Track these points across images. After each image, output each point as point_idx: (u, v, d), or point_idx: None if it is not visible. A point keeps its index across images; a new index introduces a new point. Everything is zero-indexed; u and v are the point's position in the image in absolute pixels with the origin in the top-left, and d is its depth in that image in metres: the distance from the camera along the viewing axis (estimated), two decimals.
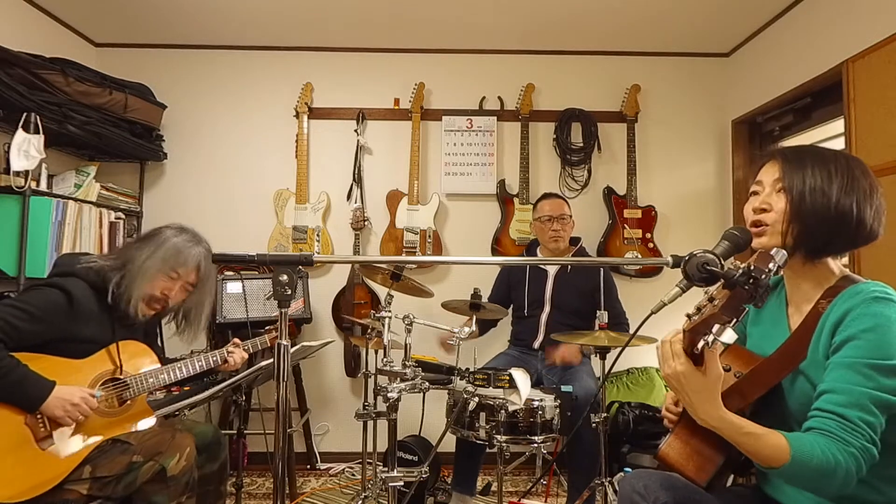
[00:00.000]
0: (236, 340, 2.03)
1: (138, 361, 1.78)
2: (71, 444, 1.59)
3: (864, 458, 0.93)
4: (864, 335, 0.97)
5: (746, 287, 0.90)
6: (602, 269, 2.72)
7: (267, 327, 2.22)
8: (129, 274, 1.72)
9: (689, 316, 1.01)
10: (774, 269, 0.92)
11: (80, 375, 1.65)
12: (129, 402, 1.72)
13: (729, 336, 0.93)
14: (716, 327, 0.93)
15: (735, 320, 0.93)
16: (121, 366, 1.71)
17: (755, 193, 1.16)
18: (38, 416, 1.55)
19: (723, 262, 0.94)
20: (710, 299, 0.97)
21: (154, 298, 1.77)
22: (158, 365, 1.81)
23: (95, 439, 1.63)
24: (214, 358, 1.93)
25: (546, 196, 2.84)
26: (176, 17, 2.99)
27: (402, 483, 1.89)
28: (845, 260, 1.68)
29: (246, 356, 2.03)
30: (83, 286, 1.67)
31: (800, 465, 0.94)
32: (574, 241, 2.84)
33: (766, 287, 0.90)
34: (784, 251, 0.96)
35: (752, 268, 0.90)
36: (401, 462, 2.45)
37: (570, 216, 2.75)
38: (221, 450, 1.91)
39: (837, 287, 1.07)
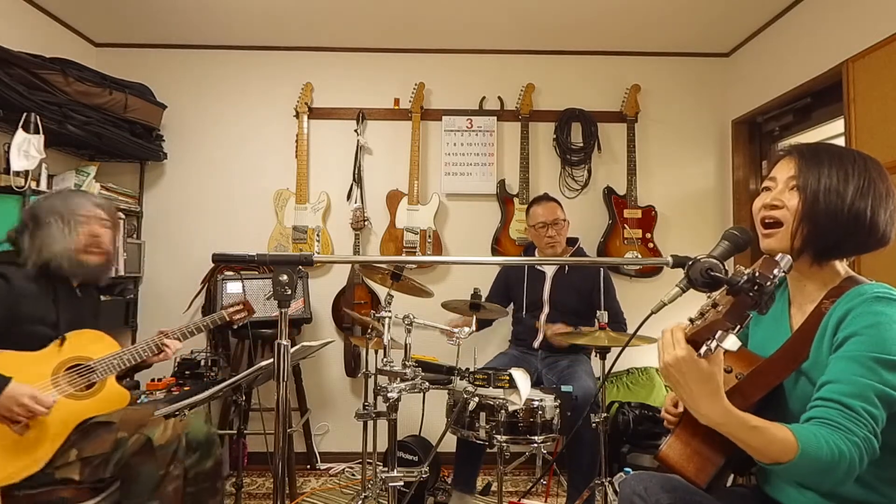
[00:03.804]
0: (164, 331, 1.96)
1: (98, 346, 1.80)
2: (49, 427, 1.61)
3: (867, 448, 0.92)
4: (865, 331, 0.97)
5: (751, 294, 0.89)
6: (602, 269, 2.72)
7: (230, 304, 2.20)
8: (55, 246, 1.74)
9: (691, 321, 1.00)
10: (779, 276, 0.91)
11: (42, 365, 1.66)
12: (97, 384, 1.74)
13: (732, 343, 0.91)
14: (718, 333, 0.92)
15: (739, 327, 0.92)
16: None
17: (767, 189, 1.14)
18: None
19: (726, 267, 0.93)
20: (714, 305, 0.95)
21: (87, 245, 1.81)
22: (118, 347, 1.83)
23: (73, 420, 1.65)
24: (151, 347, 1.90)
25: (538, 200, 2.77)
26: (176, 17, 2.99)
27: (402, 483, 1.88)
28: None
29: (180, 345, 1.99)
30: (14, 268, 1.70)
31: (808, 460, 0.91)
32: (571, 241, 2.82)
33: (771, 294, 0.89)
34: (789, 257, 0.94)
35: (756, 274, 0.89)
36: (401, 462, 2.45)
37: (565, 219, 2.71)
38: (215, 447, 1.89)
39: (841, 287, 1.06)
